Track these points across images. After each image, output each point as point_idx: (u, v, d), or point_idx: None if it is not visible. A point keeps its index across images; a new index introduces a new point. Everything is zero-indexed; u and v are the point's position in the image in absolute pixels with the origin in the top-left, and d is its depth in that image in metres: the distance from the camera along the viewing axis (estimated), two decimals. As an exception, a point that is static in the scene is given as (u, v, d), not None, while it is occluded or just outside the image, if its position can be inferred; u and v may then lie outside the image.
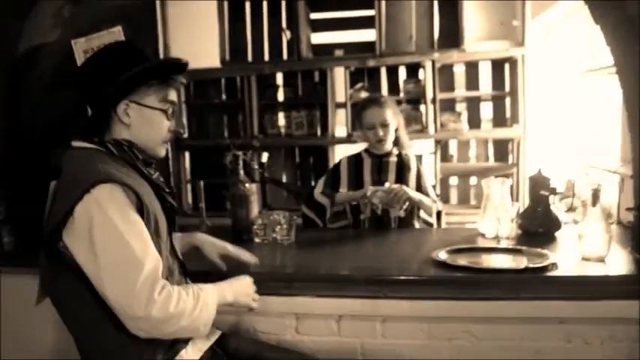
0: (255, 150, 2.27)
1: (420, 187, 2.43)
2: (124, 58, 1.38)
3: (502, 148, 3.93)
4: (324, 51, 4.19)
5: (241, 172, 2.12)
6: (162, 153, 1.46)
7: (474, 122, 3.96)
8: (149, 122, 1.39)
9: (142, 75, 1.36)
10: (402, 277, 1.64)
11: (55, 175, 1.36)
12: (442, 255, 1.75)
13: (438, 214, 2.44)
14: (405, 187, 2.24)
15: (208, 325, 1.34)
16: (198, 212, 2.60)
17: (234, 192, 2.12)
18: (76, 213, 1.22)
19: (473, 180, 4.05)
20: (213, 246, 1.68)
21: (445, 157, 4.06)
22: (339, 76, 3.99)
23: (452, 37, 3.77)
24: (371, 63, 3.86)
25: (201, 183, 2.49)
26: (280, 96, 4.32)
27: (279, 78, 4.35)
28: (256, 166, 2.13)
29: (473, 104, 3.98)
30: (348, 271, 1.71)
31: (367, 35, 3.99)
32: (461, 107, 4.02)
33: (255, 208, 2.22)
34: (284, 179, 4.41)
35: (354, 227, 2.42)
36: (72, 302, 1.32)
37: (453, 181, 4.12)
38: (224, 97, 4.40)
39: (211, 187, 4.26)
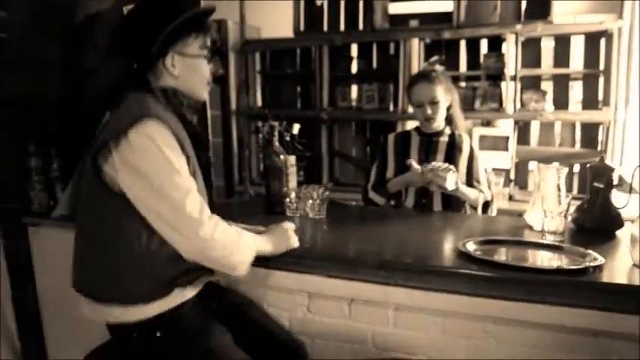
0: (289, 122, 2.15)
1: (470, 172, 2.24)
2: (162, 12, 1.46)
3: (591, 133, 3.53)
4: (401, 21, 3.98)
5: (276, 143, 2.07)
6: (206, 96, 1.57)
7: (561, 103, 3.58)
8: (194, 69, 1.49)
9: (183, 27, 1.45)
10: (415, 265, 1.51)
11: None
12: (469, 245, 1.59)
13: (486, 204, 2.24)
14: (452, 167, 2.07)
15: (245, 264, 1.45)
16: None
17: (268, 164, 2.08)
18: (129, 136, 1.31)
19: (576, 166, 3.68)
20: None
21: (525, 140, 3.73)
22: (416, 48, 3.77)
23: (540, 7, 3.41)
24: (446, 35, 3.61)
25: (246, 152, 2.44)
26: (354, 68, 4.20)
27: (354, 49, 4.22)
28: (288, 138, 2.04)
29: (560, 83, 3.60)
30: (359, 254, 1.61)
31: (446, 5, 3.73)
32: (546, 86, 3.65)
33: (292, 181, 2.17)
34: (353, 154, 4.32)
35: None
36: (98, 221, 1.40)
37: (532, 165, 3.78)
38: (298, 68, 4.37)
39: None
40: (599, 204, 1.76)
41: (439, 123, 2.27)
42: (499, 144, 3.77)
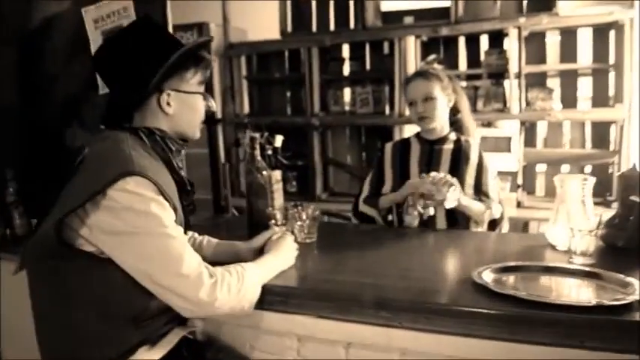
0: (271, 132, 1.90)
1: (479, 184, 1.99)
2: (159, 42, 1.32)
3: (602, 132, 3.29)
4: (395, 18, 3.74)
5: (258, 157, 1.82)
6: (198, 135, 1.43)
7: (569, 101, 3.34)
8: (190, 108, 1.36)
9: (184, 60, 1.31)
10: (421, 304, 1.25)
11: (70, 156, 1.32)
12: (485, 275, 1.34)
13: (494, 222, 1.98)
14: (453, 179, 1.82)
15: (253, 303, 1.31)
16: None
17: (250, 180, 1.83)
18: (108, 195, 1.15)
19: (565, 168, 3.44)
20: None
21: (531, 141, 3.49)
22: (412, 47, 3.53)
23: (543, -1, 3.17)
24: (444, 31, 3.36)
25: (226, 165, 2.19)
26: (346, 70, 3.95)
27: (345, 50, 3.98)
28: (270, 152, 1.79)
29: (568, 79, 3.35)
30: (355, 289, 1.35)
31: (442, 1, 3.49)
32: (553, 83, 3.41)
33: (278, 199, 1.91)
34: (348, 161, 4.07)
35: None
36: (61, 285, 1.21)
37: (540, 168, 3.54)
38: (287, 71, 4.13)
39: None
40: (634, 219, 1.51)
41: (437, 125, 2.02)
42: (501, 145, 3.54)
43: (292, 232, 1.79)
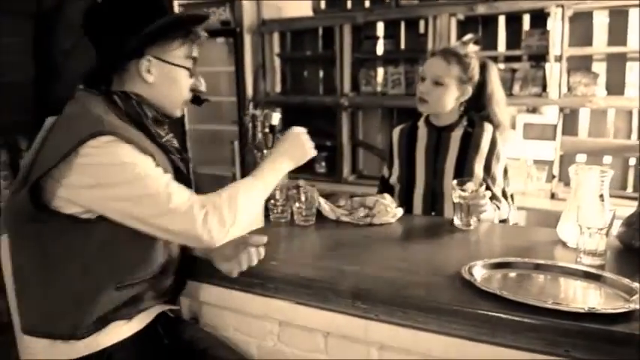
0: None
1: (487, 176, 1.85)
2: (144, 7, 1.26)
3: (651, 122, 3.04)
4: (432, -4, 3.57)
5: (259, 135, 1.76)
6: (179, 113, 1.37)
7: (615, 87, 3.10)
8: (172, 80, 1.30)
9: (168, 28, 1.26)
10: (397, 297, 1.17)
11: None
12: (476, 270, 1.24)
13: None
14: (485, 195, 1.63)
15: (256, 221, 1.36)
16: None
17: (248, 160, 1.78)
18: (80, 153, 1.12)
19: (607, 159, 3.21)
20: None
21: (573, 130, 3.27)
22: (446, 26, 3.36)
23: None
24: (481, 10, 3.17)
25: (233, 144, 2.15)
26: (380, 49, 3.82)
27: (380, 28, 3.84)
28: (267, 130, 1.73)
29: (615, 64, 3.10)
30: (334, 278, 1.28)
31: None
32: (599, 67, 3.16)
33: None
34: (378, 144, 3.96)
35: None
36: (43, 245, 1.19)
37: (581, 158, 3.31)
38: (320, 49, 4.04)
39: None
40: (654, 218, 1.36)
41: (436, 112, 1.89)
42: (546, 133, 3.34)
43: (291, 214, 1.75)
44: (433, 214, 1.90)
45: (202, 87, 1.39)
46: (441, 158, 1.88)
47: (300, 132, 1.42)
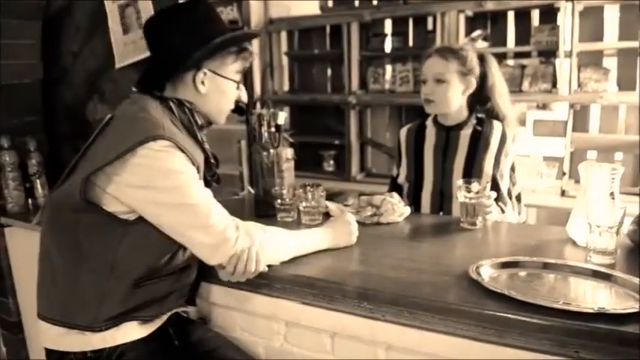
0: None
1: (496, 171, 1.83)
2: (206, 22, 1.35)
3: (664, 118, 2.99)
4: (439, -8, 3.53)
5: (265, 134, 1.76)
6: (222, 121, 1.45)
7: (627, 83, 3.05)
8: (222, 92, 1.38)
9: (227, 45, 1.34)
10: (403, 297, 1.16)
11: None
12: (484, 270, 1.23)
13: None
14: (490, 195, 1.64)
15: (276, 258, 1.33)
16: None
17: (255, 159, 1.78)
18: (138, 154, 1.17)
19: (618, 156, 3.17)
20: None
21: (584, 126, 3.23)
22: (455, 22, 3.32)
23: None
24: (490, 5, 3.14)
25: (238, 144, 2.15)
26: (388, 47, 3.79)
27: (388, 26, 3.82)
28: (273, 129, 1.73)
29: (627, 59, 3.05)
30: (341, 278, 1.27)
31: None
32: (610, 63, 3.12)
33: (288, 178, 1.85)
34: (387, 142, 3.94)
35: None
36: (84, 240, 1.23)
37: (592, 155, 3.27)
38: (328, 47, 4.02)
39: (311, 145, 4.02)
40: (665, 216, 1.34)
41: (443, 110, 1.87)
42: (557, 129, 3.30)
43: (298, 213, 1.74)
44: (441, 213, 1.89)
45: (245, 98, 1.47)
46: (449, 157, 1.87)
47: (351, 221, 1.49)
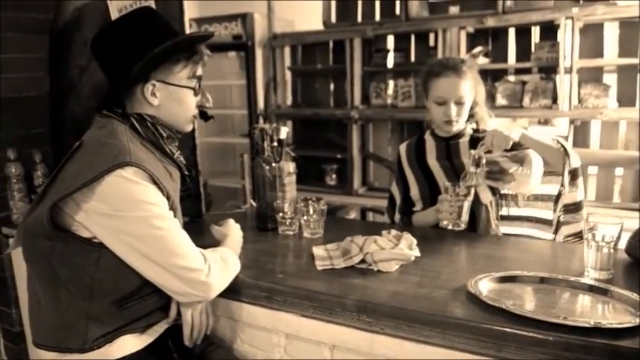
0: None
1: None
2: (150, 31, 1.29)
3: (663, 134, 3.00)
4: (441, 9, 3.59)
5: (267, 148, 1.78)
6: (189, 128, 1.41)
7: (627, 99, 3.07)
8: (177, 101, 1.33)
9: (170, 52, 1.28)
10: (402, 311, 1.18)
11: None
12: (482, 285, 1.24)
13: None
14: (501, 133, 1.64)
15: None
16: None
17: (257, 173, 1.80)
18: (105, 181, 1.16)
19: (619, 171, 3.18)
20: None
21: (585, 142, 3.25)
22: (456, 39, 3.37)
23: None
24: (491, 22, 3.18)
25: (241, 158, 2.17)
26: (390, 62, 3.83)
27: (390, 41, 3.87)
28: (275, 143, 1.75)
29: (627, 76, 3.08)
30: (340, 291, 1.29)
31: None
32: (610, 79, 3.15)
33: (289, 192, 1.87)
34: (389, 156, 3.96)
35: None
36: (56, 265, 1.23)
37: (592, 170, 3.29)
38: (331, 62, 4.07)
39: (313, 159, 4.05)
40: (661, 232, 1.35)
41: (460, 126, 1.89)
42: (559, 144, 3.31)
43: (299, 227, 1.76)
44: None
45: (209, 103, 1.42)
46: (455, 162, 1.87)
47: (237, 228, 1.54)
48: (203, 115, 1.42)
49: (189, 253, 1.22)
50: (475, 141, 1.85)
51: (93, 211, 1.17)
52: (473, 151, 1.67)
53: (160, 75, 1.28)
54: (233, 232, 1.52)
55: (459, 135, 1.90)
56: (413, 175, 1.99)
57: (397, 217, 2.04)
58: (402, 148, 2.05)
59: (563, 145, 1.70)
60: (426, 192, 1.94)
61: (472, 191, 1.72)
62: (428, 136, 1.99)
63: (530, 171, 1.69)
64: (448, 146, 1.91)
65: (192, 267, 1.21)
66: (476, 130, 1.92)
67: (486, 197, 1.83)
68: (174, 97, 1.31)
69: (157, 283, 1.23)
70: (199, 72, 1.35)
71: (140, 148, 1.27)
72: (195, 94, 1.36)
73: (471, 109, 1.89)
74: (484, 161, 1.66)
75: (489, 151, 1.69)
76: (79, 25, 2.16)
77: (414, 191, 1.97)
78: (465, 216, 1.72)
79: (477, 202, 1.81)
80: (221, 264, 1.29)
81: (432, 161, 1.93)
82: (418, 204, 1.97)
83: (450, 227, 1.73)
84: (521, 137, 1.67)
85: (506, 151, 1.67)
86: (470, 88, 1.83)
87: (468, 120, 1.90)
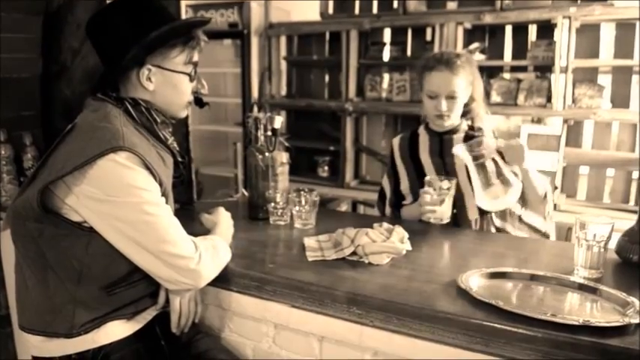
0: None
1: (500, 178, 1.84)
2: (147, 15, 1.27)
3: (655, 137, 3.03)
4: (439, 4, 3.57)
5: (261, 138, 1.77)
6: (183, 114, 1.40)
7: (621, 100, 3.09)
8: (173, 87, 1.32)
9: (167, 36, 1.26)
10: (392, 304, 1.18)
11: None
12: (472, 280, 1.25)
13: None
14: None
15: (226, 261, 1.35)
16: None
17: (250, 162, 1.79)
18: (98, 165, 1.14)
19: (610, 172, 3.20)
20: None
21: (577, 141, 3.26)
22: (453, 34, 3.36)
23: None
24: (488, 19, 3.17)
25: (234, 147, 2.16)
26: (386, 56, 3.82)
27: (387, 35, 3.85)
28: (269, 133, 1.74)
29: (621, 77, 3.10)
30: (331, 282, 1.28)
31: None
32: (604, 80, 3.16)
33: (282, 182, 1.86)
34: (382, 149, 3.96)
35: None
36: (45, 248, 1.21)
37: (583, 170, 3.31)
38: (327, 54, 4.05)
39: (305, 151, 4.04)
40: (651, 232, 1.36)
41: (453, 121, 1.89)
42: (550, 144, 3.33)
43: (291, 217, 1.76)
44: (455, 211, 1.84)
45: (204, 90, 1.41)
46: (448, 160, 1.87)
47: (227, 216, 1.54)
48: (198, 101, 1.39)
49: (179, 240, 1.20)
50: (469, 138, 1.85)
51: (84, 194, 1.15)
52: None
53: (156, 60, 1.27)
54: (223, 220, 1.50)
55: (454, 131, 1.90)
56: (404, 169, 1.99)
57: (388, 210, 2.04)
58: (396, 141, 2.04)
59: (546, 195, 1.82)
60: (416, 186, 1.93)
61: (454, 185, 1.72)
62: (422, 130, 1.98)
63: (506, 196, 1.77)
64: (441, 142, 1.91)
65: (182, 254, 1.19)
66: (471, 128, 1.92)
67: (473, 214, 1.83)
68: (169, 83, 1.30)
69: (147, 270, 1.21)
70: (196, 58, 1.34)
71: (134, 132, 1.25)
72: (191, 80, 1.35)
73: (467, 104, 1.88)
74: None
75: (482, 155, 1.73)
76: (73, 6, 2.13)
77: (405, 185, 1.97)
78: (448, 211, 1.72)
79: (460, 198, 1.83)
80: (212, 252, 1.28)
81: (424, 156, 1.93)
82: (408, 197, 1.97)
83: (432, 221, 1.73)
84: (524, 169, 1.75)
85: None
86: (465, 83, 1.82)
87: (464, 116, 1.90)
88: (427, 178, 1.75)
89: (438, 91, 1.82)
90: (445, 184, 1.71)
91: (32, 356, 1.29)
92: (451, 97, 1.81)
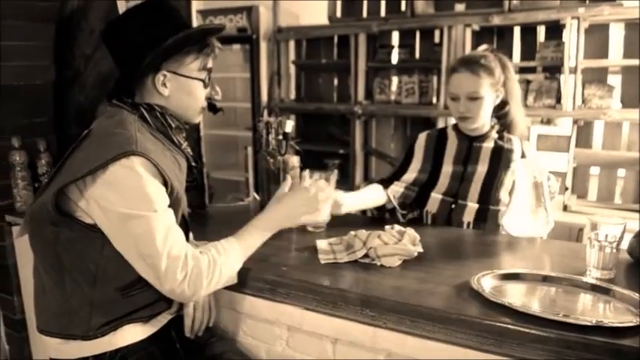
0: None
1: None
2: (162, 22, 1.29)
3: (666, 136, 3.01)
4: (446, 6, 3.58)
5: (272, 141, 1.79)
6: (197, 120, 1.41)
7: (631, 100, 3.08)
8: (188, 92, 1.33)
9: (182, 43, 1.28)
10: (405, 305, 1.19)
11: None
12: (485, 281, 1.25)
13: None
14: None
15: (232, 277, 1.31)
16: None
17: (261, 165, 1.81)
18: (109, 170, 1.16)
19: (621, 172, 3.19)
20: None
21: (587, 142, 3.25)
22: (461, 36, 3.36)
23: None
24: (496, 20, 3.18)
25: (245, 150, 2.18)
26: (395, 58, 3.83)
27: (395, 38, 3.86)
28: (280, 136, 1.76)
29: (631, 77, 3.08)
30: (345, 284, 1.30)
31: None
32: (614, 80, 3.15)
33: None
34: (391, 152, 3.97)
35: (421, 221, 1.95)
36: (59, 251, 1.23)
37: (594, 171, 3.29)
38: (335, 57, 4.07)
39: (315, 154, 4.05)
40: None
41: (479, 124, 1.87)
42: (560, 144, 3.32)
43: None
44: (453, 207, 1.87)
45: (218, 96, 1.43)
46: (470, 167, 1.87)
47: (314, 189, 1.40)
48: (212, 107, 1.42)
49: (171, 257, 1.17)
50: (499, 150, 1.85)
51: (93, 199, 1.18)
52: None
53: (171, 66, 1.29)
54: (289, 199, 1.40)
55: (484, 137, 1.89)
56: (421, 164, 1.97)
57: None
58: (422, 136, 2.02)
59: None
60: (425, 178, 1.94)
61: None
62: (450, 131, 1.96)
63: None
64: (470, 148, 1.90)
65: (165, 271, 1.16)
66: (500, 137, 1.90)
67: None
68: (184, 89, 1.32)
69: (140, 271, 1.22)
70: (210, 64, 1.36)
71: (148, 138, 1.27)
72: (205, 86, 1.36)
73: (502, 107, 1.88)
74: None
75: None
76: (86, 13, 2.16)
77: (411, 176, 1.96)
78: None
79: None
80: (208, 268, 1.22)
81: (447, 164, 1.92)
82: (398, 193, 1.96)
83: (310, 229, 1.71)
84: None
85: None
86: (488, 85, 1.81)
87: (501, 120, 1.90)
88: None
89: (458, 92, 1.82)
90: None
91: (50, 358, 1.31)
92: (472, 99, 1.81)
